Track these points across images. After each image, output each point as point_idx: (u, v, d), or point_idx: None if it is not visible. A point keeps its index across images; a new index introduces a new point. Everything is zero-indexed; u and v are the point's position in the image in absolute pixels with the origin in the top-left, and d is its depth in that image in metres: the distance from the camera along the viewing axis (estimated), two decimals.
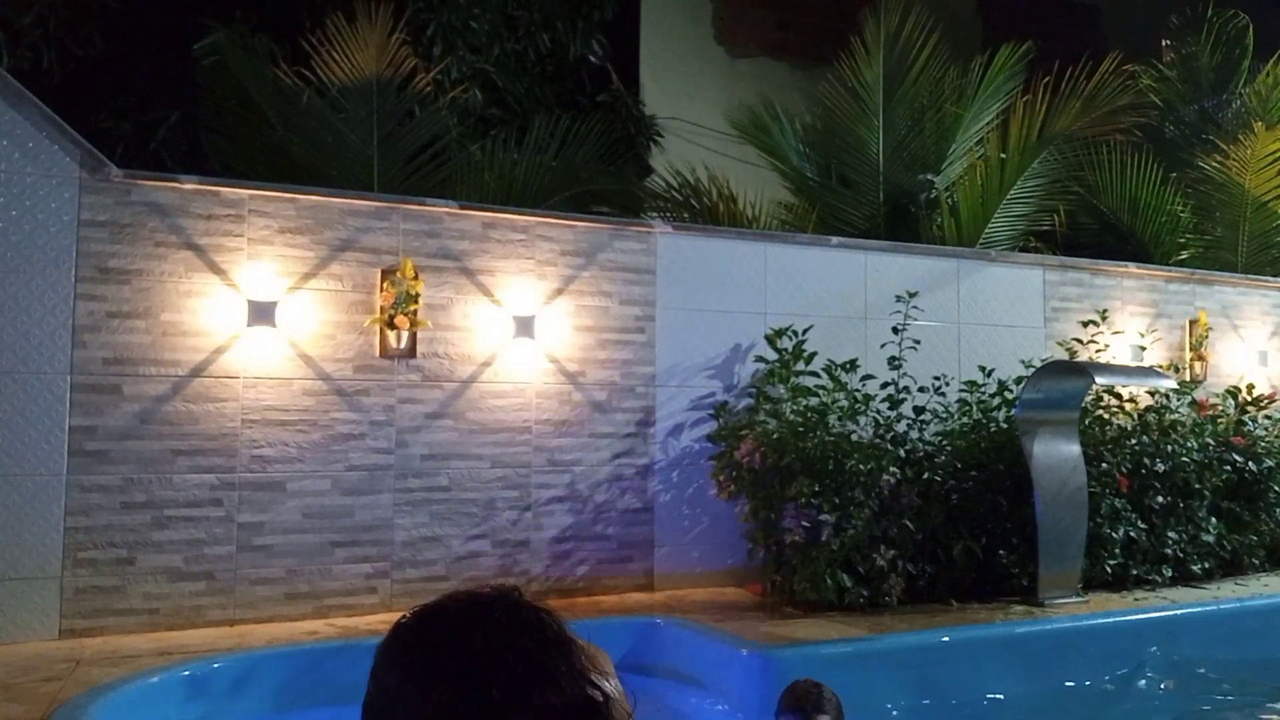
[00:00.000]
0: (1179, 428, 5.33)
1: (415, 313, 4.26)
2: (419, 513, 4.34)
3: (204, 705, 3.27)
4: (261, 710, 3.36)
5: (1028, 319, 5.65)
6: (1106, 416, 5.27)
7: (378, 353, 4.28)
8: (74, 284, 3.84)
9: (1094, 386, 5.07)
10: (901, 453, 4.64)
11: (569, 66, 7.38)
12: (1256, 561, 5.41)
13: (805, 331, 4.91)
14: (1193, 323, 6.14)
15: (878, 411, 4.79)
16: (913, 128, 6.50)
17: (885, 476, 4.39)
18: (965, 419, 5.07)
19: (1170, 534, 5.06)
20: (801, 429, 4.51)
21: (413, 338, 4.31)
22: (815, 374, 4.83)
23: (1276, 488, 5.42)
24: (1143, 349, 5.71)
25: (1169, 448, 5.12)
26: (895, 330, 4.89)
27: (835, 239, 5.51)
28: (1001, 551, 4.71)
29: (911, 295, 4.95)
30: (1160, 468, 5.05)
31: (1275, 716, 4.08)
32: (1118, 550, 4.91)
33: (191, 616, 3.96)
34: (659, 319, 4.82)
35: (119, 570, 3.87)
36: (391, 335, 4.26)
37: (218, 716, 3.27)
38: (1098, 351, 5.47)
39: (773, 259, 5.08)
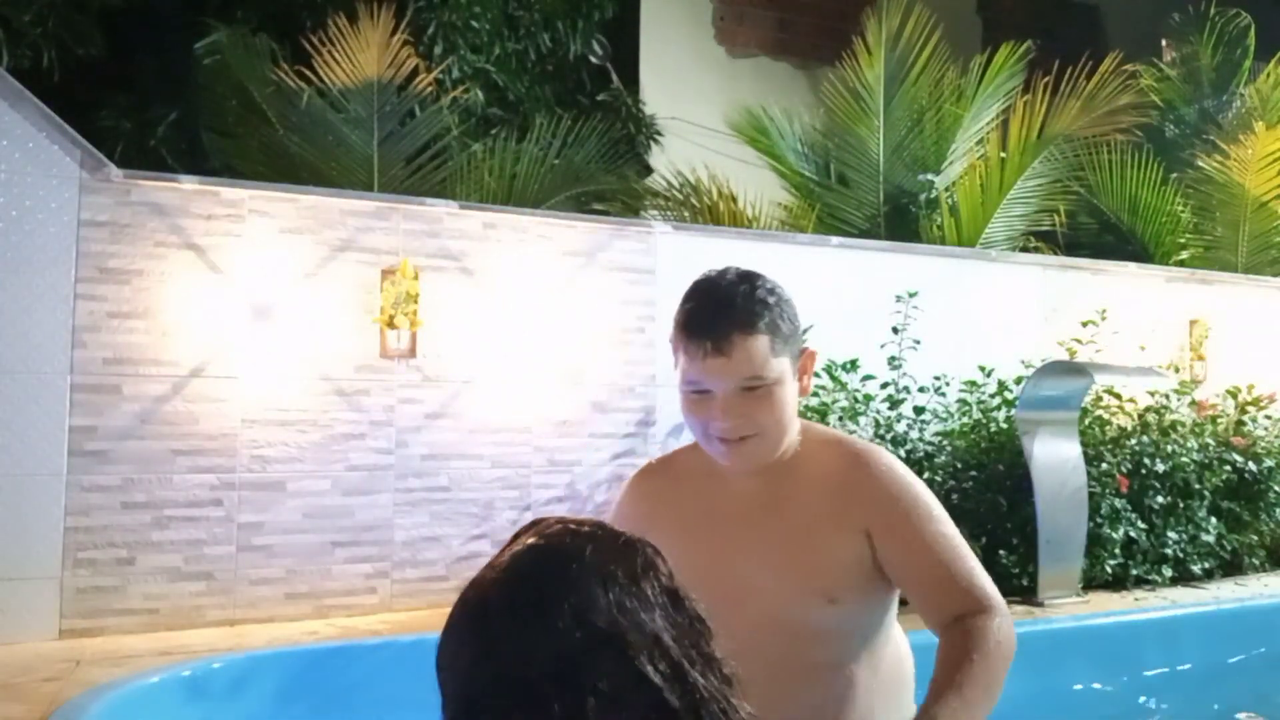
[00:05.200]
0: (1179, 428, 5.33)
1: (415, 313, 4.26)
2: (419, 513, 4.34)
3: (204, 705, 3.27)
4: (261, 710, 3.35)
5: (1028, 319, 5.65)
6: (1106, 416, 5.27)
7: (378, 353, 4.28)
8: (74, 284, 3.84)
9: (1094, 386, 5.07)
10: (901, 453, 4.64)
11: (569, 66, 7.38)
12: (1256, 562, 5.41)
13: (805, 331, 4.89)
14: (1193, 323, 6.14)
15: (878, 412, 4.78)
16: (913, 128, 6.50)
17: None
18: (965, 419, 5.06)
19: (1170, 534, 5.06)
20: None
21: (413, 338, 4.31)
22: (815, 374, 4.81)
23: (1276, 488, 5.42)
24: (1143, 349, 5.71)
25: (1169, 448, 5.12)
26: (895, 330, 4.89)
27: (835, 239, 5.51)
28: (1001, 551, 4.71)
29: (911, 295, 4.95)
30: (1160, 468, 5.05)
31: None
32: (1118, 550, 4.91)
33: (191, 616, 3.95)
34: (659, 319, 4.82)
35: (119, 570, 3.87)
36: (391, 335, 4.26)
37: (218, 716, 3.27)
38: (1098, 351, 5.47)
39: (773, 259, 5.07)
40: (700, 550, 1.52)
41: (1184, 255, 7.17)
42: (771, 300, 1.55)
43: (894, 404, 4.79)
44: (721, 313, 1.50)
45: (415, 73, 5.46)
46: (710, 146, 7.24)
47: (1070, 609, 4.45)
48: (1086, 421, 5.06)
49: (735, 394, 1.50)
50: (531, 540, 0.83)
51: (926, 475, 4.62)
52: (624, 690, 0.74)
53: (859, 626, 1.57)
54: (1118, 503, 4.91)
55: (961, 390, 5.14)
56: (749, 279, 1.55)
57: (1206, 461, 5.22)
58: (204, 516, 3.99)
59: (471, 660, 0.78)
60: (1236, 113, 7.69)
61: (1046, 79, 6.40)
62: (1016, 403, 4.85)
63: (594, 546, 0.81)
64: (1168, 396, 5.48)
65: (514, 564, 0.81)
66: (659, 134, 7.82)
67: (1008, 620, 1.51)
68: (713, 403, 1.51)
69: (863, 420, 4.75)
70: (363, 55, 5.25)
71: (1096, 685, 4.06)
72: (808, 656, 1.53)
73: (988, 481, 4.79)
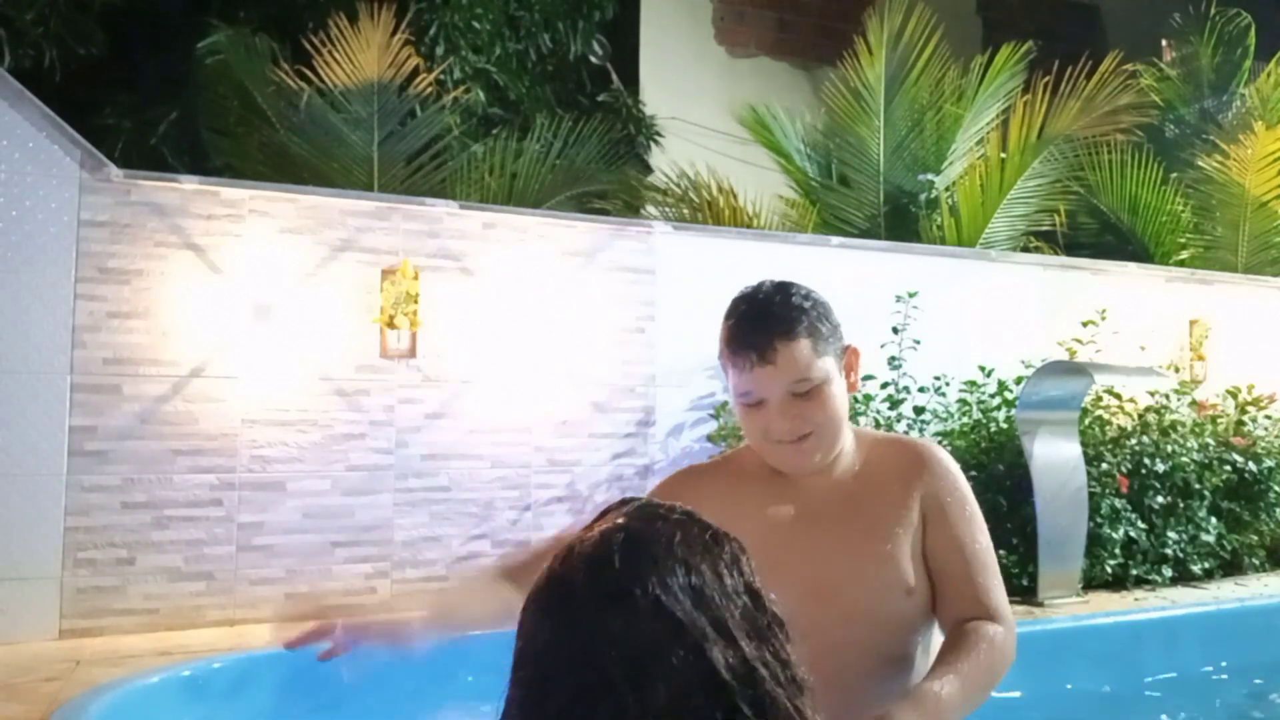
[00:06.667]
0: (1179, 428, 5.33)
1: (415, 313, 4.26)
2: (419, 513, 4.34)
3: (204, 705, 3.27)
4: (261, 710, 3.36)
5: (1028, 319, 5.65)
6: (1106, 416, 5.27)
7: (378, 353, 4.28)
8: (74, 284, 3.84)
9: (1094, 386, 5.07)
10: None
11: (570, 66, 7.39)
12: (1256, 562, 5.41)
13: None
14: (1193, 323, 6.14)
15: (877, 412, 4.79)
16: (913, 128, 6.51)
17: None
18: (965, 419, 5.07)
19: (1170, 534, 5.06)
20: None
21: (413, 338, 4.31)
22: None
23: (1276, 488, 5.42)
24: (1143, 349, 5.71)
25: (1169, 448, 5.12)
26: (895, 330, 4.89)
27: (835, 239, 5.51)
28: (1001, 551, 4.70)
29: (911, 295, 4.96)
30: (1160, 468, 5.05)
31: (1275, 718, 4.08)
32: (1118, 550, 4.91)
33: (191, 616, 3.96)
34: (659, 319, 4.82)
35: (119, 570, 3.87)
36: (391, 335, 4.26)
37: (218, 716, 3.27)
38: (1098, 352, 5.47)
39: (773, 259, 5.07)
40: (783, 548, 1.57)
41: (1184, 255, 7.17)
42: (808, 305, 1.60)
43: (894, 404, 4.79)
44: (761, 323, 1.57)
45: (416, 73, 5.46)
46: (710, 146, 7.25)
47: (1070, 609, 4.45)
48: (1086, 421, 5.06)
49: (786, 399, 1.56)
50: (622, 522, 0.82)
51: None
52: (694, 685, 0.72)
53: (925, 616, 1.62)
54: (1118, 503, 4.91)
55: (961, 390, 5.14)
56: (783, 288, 1.63)
57: (1206, 461, 5.23)
58: (204, 516, 3.99)
59: (550, 637, 0.77)
60: (1236, 113, 7.69)
61: (1046, 79, 6.41)
62: (1016, 403, 4.85)
63: (682, 535, 0.79)
64: (1168, 396, 5.49)
65: (603, 545, 0.80)
66: (659, 134, 7.82)
67: (1012, 635, 1.57)
68: (767, 410, 1.57)
69: (862, 420, 4.75)
70: (363, 55, 5.25)
71: (1096, 685, 4.06)
72: (889, 648, 1.60)
73: (988, 481, 4.79)
